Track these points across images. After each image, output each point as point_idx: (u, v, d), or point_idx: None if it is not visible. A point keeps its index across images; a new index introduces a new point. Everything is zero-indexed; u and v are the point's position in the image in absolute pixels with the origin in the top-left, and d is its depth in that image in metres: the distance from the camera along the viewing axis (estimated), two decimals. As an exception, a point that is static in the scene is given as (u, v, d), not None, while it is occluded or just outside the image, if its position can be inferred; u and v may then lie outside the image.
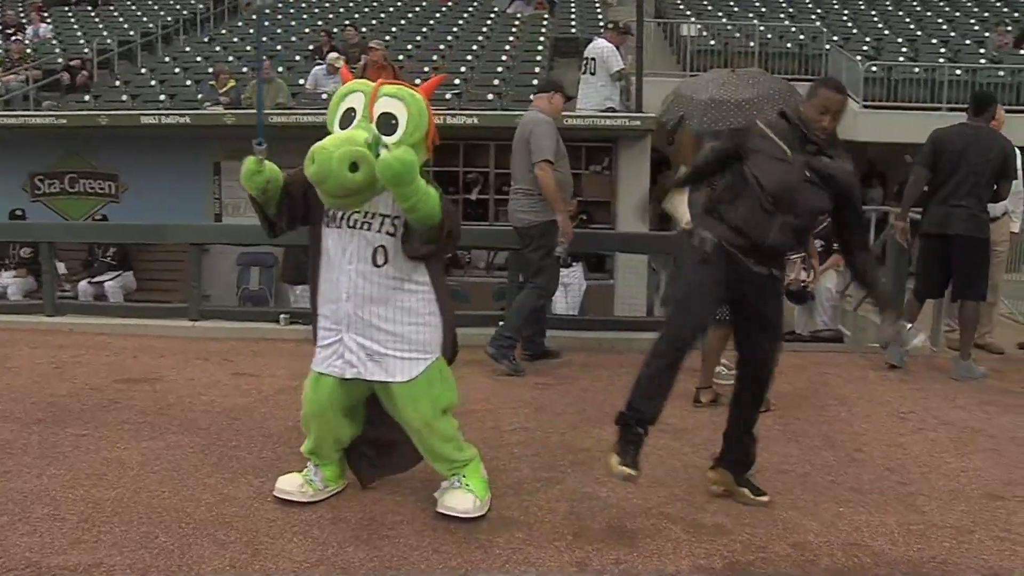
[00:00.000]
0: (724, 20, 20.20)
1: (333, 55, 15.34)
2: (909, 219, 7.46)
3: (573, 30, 19.82)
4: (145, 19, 22.05)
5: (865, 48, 18.55)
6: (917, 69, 17.13)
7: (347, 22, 19.35)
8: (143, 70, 18.00)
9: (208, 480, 4.48)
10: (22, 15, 22.16)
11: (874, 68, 16.86)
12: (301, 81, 15.66)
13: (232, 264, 12.88)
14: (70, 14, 22.91)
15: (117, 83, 17.13)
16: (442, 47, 18.35)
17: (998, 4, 22.48)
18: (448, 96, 15.04)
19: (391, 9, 21.98)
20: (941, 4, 22.53)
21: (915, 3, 22.65)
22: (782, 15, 21.11)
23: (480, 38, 18.95)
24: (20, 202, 14.15)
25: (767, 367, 4.41)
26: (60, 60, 18.26)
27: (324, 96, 14.23)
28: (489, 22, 20.32)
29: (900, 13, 21.76)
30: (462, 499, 4.14)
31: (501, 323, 7.21)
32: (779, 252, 4.37)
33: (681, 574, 3.69)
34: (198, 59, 18.01)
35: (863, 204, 16.14)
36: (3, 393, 5.99)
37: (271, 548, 3.78)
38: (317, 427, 4.25)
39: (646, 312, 10.16)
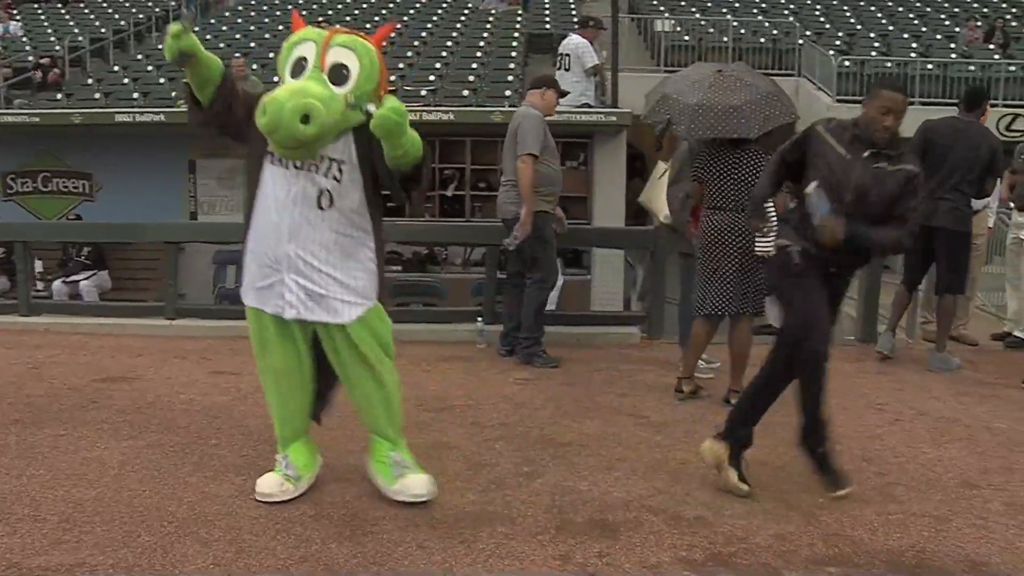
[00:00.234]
0: (698, 15, 20.27)
1: (307, 51, 15.26)
2: None
3: (547, 26, 19.84)
4: (117, 16, 21.90)
5: (838, 43, 18.67)
6: (889, 64, 17.29)
7: (321, 19, 19.26)
8: (116, 68, 17.89)
9: (189, 479, 4.47)
10: (-9, 12, 21.98)
11: (847, 63, 17.00)
12: (276, 79, 15.55)
13: (208, 262, 12.83)
14: (40, 11, 22.73)
15: (90, 81, 17.01)
16: (416, 43, 18.34)
17: (968, 0, 22.68)
18: (423, 92, 15.03)
19: (365, 5, 21.94)
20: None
21: (886, -2, 22.83)
22: (755, 10, 21.20)
23: (455, 34, 18.95)
24: (-8, 201, 14.06)
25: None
26: (31, 58, 18.11)
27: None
28: (463, 18, 20.32)
29: (872, 8, 21.91)
30: (420, 482, 4.21)
31: (518, 332, 7.21)
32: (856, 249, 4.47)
33: (663, 566, 3.71)
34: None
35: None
36: (-21, 394, 5.94)
37: (254, 546, 3.77)
38: (285, 385, 4.27)
39: (623, 307, 10.20)
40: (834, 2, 22.37)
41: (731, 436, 4.53)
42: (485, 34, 18.86)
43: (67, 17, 22.11)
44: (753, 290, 5.83)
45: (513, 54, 17.40)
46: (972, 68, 17.00)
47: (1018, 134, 12.83)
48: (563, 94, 7.54)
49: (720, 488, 4.45)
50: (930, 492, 4.57)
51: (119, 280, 12.85)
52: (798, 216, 4.50)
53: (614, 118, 12.96)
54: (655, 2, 21.64)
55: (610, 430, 5.38)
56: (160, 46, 19.10)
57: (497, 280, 8.05)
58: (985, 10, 21.59)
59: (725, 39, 18.25)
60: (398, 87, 15.26)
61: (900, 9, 21.90)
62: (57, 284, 12.18)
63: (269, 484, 4.26)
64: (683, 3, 21.70)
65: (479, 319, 7.63)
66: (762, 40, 18.57)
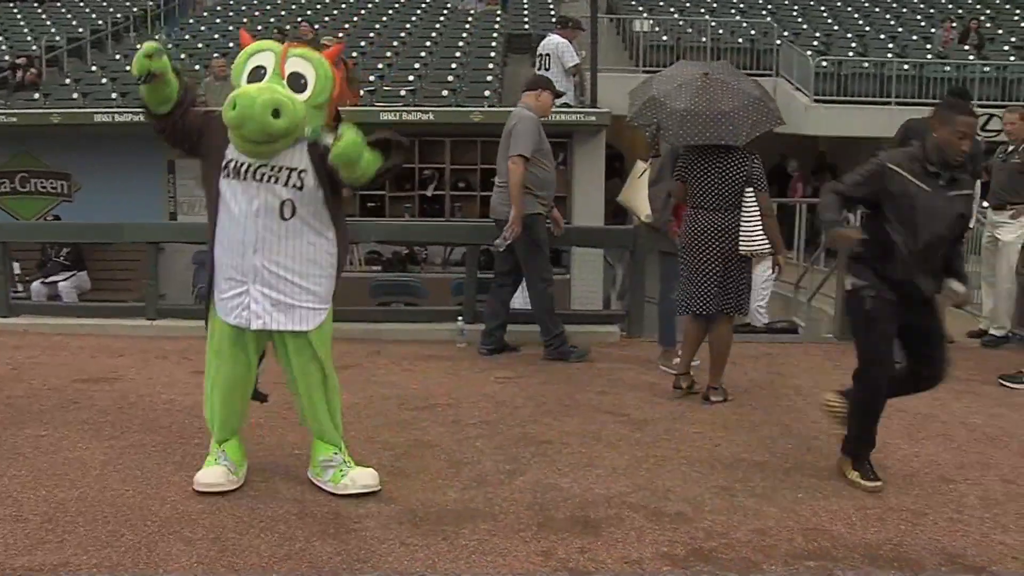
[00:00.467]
0: (676, 15, 20.34)
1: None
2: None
3: (526, 26, 19.89)
4: (94, 15, 21.78)
5: (815, 43, 18.77)
6: (866, 64, 17.43)
7: (300, 19, 19.25)
8: (94, 68, 17.80)
9: (172, 478, 4.47)
10: (-35, 12, 21.84)
11: (824, 63, 17.11)
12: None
13: (187, 263, 12.80)
14: (15, 10, 22.56)
15: (67, 81, 16.93)
16: (395, 43, 18.35)
17: (943, 1, 22.85)
18: (403, 93, 15.04)
19: (344, 6, 21.91)
20: (889, 1, 22.85)
21: (864, 0, 22.97)
22: (733, 11, 21.29)
23: (433, 35, 18.96)
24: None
25: (944, 372, 4.76)
26: (7, 58, 18.00)
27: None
28: (442, 19, 20.33)
29: (849, 9, 22.05)
30: (366, 474, 4.32)
31: (502, 331, 7.31)
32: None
33: (645, 561, 3.74)
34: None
35: (816, 195, 16.43)
36: (-41, 395, 5.92)
37: (238, 544, 3.79)
38: (229, 389, 4.32)
39: (602, 305, 10.25)
40: (811, 3, 22.50)
41: (860, 466, 4.67)
42: (464, 34, 18.88)
43: (44, 16, 21.96)
44: (735, 289, 5.87)
45: (492, 54, 17.43)
46: (948, 69, 17.14)
47: (993, 134, 12.90)
48: (558, 95, 7.58)
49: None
50: (907, 487, 4.62)
51: (99, 281, 12.81)
52: (872, 253, 4.56)
53: (593, 118, 13.01)
54: (633, 2, 21.70)
55: (591, 428, 5.42)
56: (139, 45, 19.08)
57: (477, 279, 8.08)
58: (960, 11, 21.76)
59: (703, 39, 18.31)
60: (377, 87, 15.28)
61: (877, 10, 22.05)
62: (36, 285, 12.12)
63: (215, 474, 4.31)
64: (661, 3, 21.76)
65: (459, 318, 7.65)
66: (740, 40, 18.66)
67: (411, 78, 15.90)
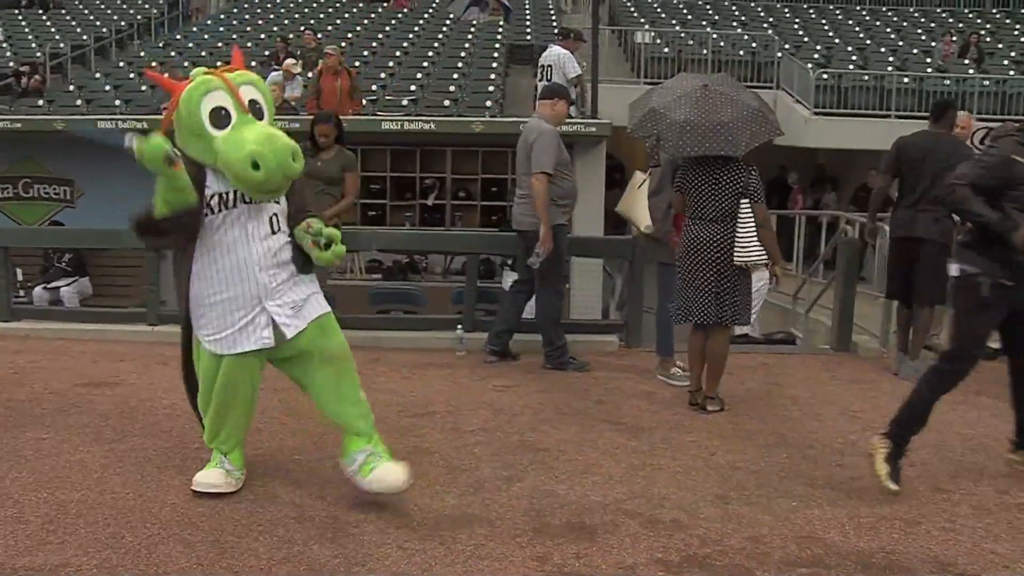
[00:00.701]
0: (677, 28, 20.43)
1: (290, 61, 15.35)
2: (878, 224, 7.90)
3: (528, 37, 19.98)
4: (98, 23, 21.89)
5: (816, 56, 18.87)
6: (866, 77, 17.51)
7: (303, 27, 19.35)
8: (97, 75, 17.88)
9: (172, 482, 4.51)
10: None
11: (824, 76, 17.18)
12: (271, 87, 15.63)
13: (188, 269, 12.82)
14: (20, 17, 22.68)
15: (71, 87, 17.02)
16: (398, 53, 18.44)
17: (944, 15, 22.98)
18: (404, 102, 15.11)
19: (347, 15, 22.01)
20: (889, 14, 22.97)
21: (865, 13, 23.09)
22: (734, 23, 21.40)
23: (436, 44, 19.06)
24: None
25: None
26: (11, 64, 18.09)
27: (287, 102, 14.25)
28: (445, 29, 20.43)
29: (850, 22, 22.16)
30: (395, 471, 4.26)
31: (508, 335, 7.35)
32: None
33: (639, 567, 3.78)
34: (152, 64, 17.90)
35: (816, 207, 16.52)
36: (-39, 399, 5.96)
37: (237, 547, 3.83)
38: (240, 412, 4.37)
39: (601, 315, 10.28)
40: (812, 16, 22.63)
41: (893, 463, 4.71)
42: (466, 44, 18.98)
43: (48, 23, 22.08)
44: (731, 300, 5.90)
45: (494, 64, 17.51)
46: (947, 82, 17.23)
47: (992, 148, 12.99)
48: (572, 103, 7.60)
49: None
50: (901, 496, 4.64)
51: (100, 287, 12.82)
52: (986, 240, 4.66)
53: (594, 128, 13.08)
54: (635, 14, 21.82)
55: (588, 436, 5.45)
56: (142, 53, 19.19)
57: (477, 288, 8.12)
58: (960, 26, 21.88)
59: (705, 51, 18.40)
60: (379, 96, 15.36)
61: (877, 24, 22.16)
62: (38, 290, 12.14)
63: (215, 476, 4.36)
64: (663, 15, 21.88)
65: (459, 327, 7.69)
66: (741, 52, 18.76)
67: (413, 88, 15.98)
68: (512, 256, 9.89)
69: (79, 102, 15.70)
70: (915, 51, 19.80)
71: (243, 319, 4.19)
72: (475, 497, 4.46)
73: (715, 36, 19.23)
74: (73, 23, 22.08)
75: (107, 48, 20.59)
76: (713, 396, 6.06)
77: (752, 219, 5.80)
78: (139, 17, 22.56)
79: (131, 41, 21.53)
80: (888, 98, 16.84)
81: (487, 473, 4.79)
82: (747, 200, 5.82)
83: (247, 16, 22.34)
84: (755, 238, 5.81)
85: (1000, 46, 20.35)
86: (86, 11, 23.30)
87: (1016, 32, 21.72)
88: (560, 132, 7.08)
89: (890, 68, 18.12)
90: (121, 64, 18.68)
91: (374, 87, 16.05)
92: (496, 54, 18.22)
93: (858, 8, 23.67)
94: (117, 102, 15.44)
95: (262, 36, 20.00)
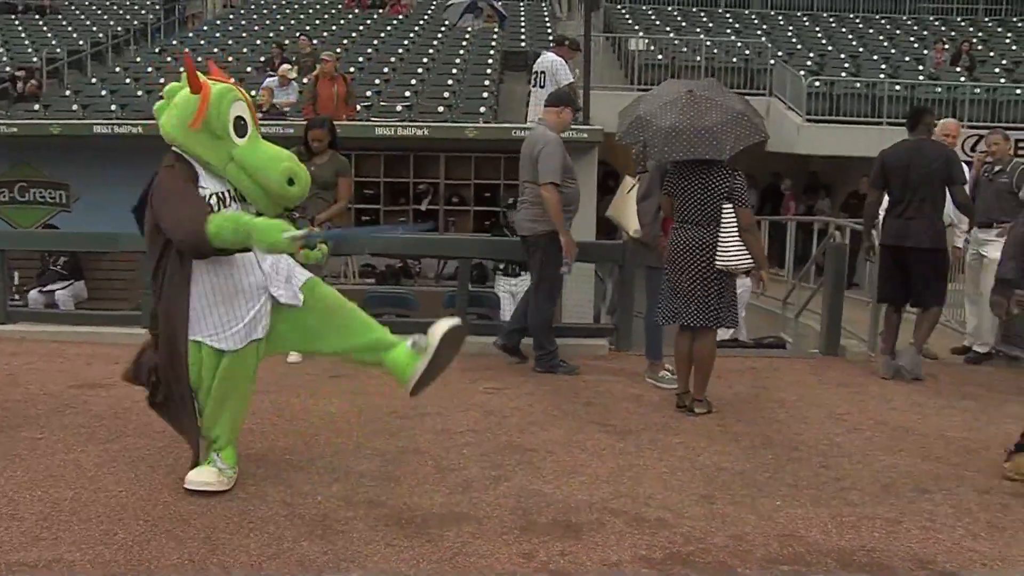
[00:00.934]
0: (671, 35, 20.55)
1: (285, 67, 15.42)
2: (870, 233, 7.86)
3: (523, 44, 20.08)
4: (95, 28, 21.95)
5: (809, 63, 19.00)
6: (859, 84, 17.62)
7: (299, 33, 19.43)
8: (93, 80, 17.95)
9: (165, 480, 4.57)
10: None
11: (817, 83, 17.30)
12: (253, 93, 15.71)
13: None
14: (17, 22, 22.75)
15: (67, 92, 17.08)
16: (393, 59, 18.52)
17: (936, 23, 23.11)
18: (399, 108, 15.19)
19: (342, 21, 22.10)
20: (883, 22, 23.10)
21: (858, 21, 23.22)
22: (728, 30, 21.52)
23: (431, 51, 19.14)
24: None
25: None
26: (8, 69, 18.15)
27: (276, 107, 14.33)
28: (440, 35, 20.51)
29: (843, 30, 22.29)
30: (443, 322, 4.55)
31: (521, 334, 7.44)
32: None
33: (624, 564, 3.85)
34: (149, 70, 18.00)
35: (810, 214, 16.56)
36: (-44, 399, 6.01)
37: (228, 543, 3.89)
38: (240, 402, 4.47)
39: (593, 319, 10.34)
40: (806, 23, 22.75)
41: None
42: (461, 51, 19.06)
43: (44, 29, 22.15)
44: (716, 303, 5.96)
45: (488, 71, 17.60)
46: (939, 90, 17.36)
47: (983, 154, 13.06)
48: (578, 110, 7.67)
49: None
50: (884, 496, 4.73)
51: (95, 290, 12.89)
52: None
53: (585, 135, 13.15)
54: (630, 21, 21.93)
55: (576, 437, 5.52)
56: (139, 59, 19.26)
57: (470, 293, 8.18)
58: (952, 34, 22.01)
59: (698, 58, 18.52)
60: (374, 102, 15.44)
61: (870, 31, 22.29)
62: (33, 294, 12.21)
63: (208, 474, 4.42)
64: (657, 23, 22.00)
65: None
66: (734, 60, 18.87)
67: (407, 94, 16.06)
68: (504, 261, 9.99)
69: (75, 107, 15.77)
70: (907, 59, 19.94)
71: (251, 311, 4.32)
72: (463, 496, 4.52)
73: (709, 43, 19.36)
74: (70, 28, 22.15)
75: (103, 53, 20.66)
76: (701, 399, 6.13)
77: (735, 223, 5.87)
78: (135, 23, 22.64)
79: (127, 47, 21.60)
80: (880, 105, 16.97)
81: (475, 473, 4.86)
82: (730, 204, 5.90)
83: (243, 22, 22.42)
84: (738, 242, 5.88)
85: (991, 54, 20.49)
86: (83, 16, 23.38)
87: (1008, 40, 21.87)
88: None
89: (882, 76, 18.24)
90: (117, 69, 18.74)
91: (369, 93, 16.13)
92: (491, 61, 18.31)
93: (851, 16, 23.81)
94: (113, 107, 15.50)
95: (258, 42, 20.08)
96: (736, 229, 5.87)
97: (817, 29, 22.29)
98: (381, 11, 23.19)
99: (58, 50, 19.82)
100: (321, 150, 7.83)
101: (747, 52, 19.27)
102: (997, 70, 19.15)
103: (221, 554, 3.79)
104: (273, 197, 4.34)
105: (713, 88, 6.38)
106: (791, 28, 22.23)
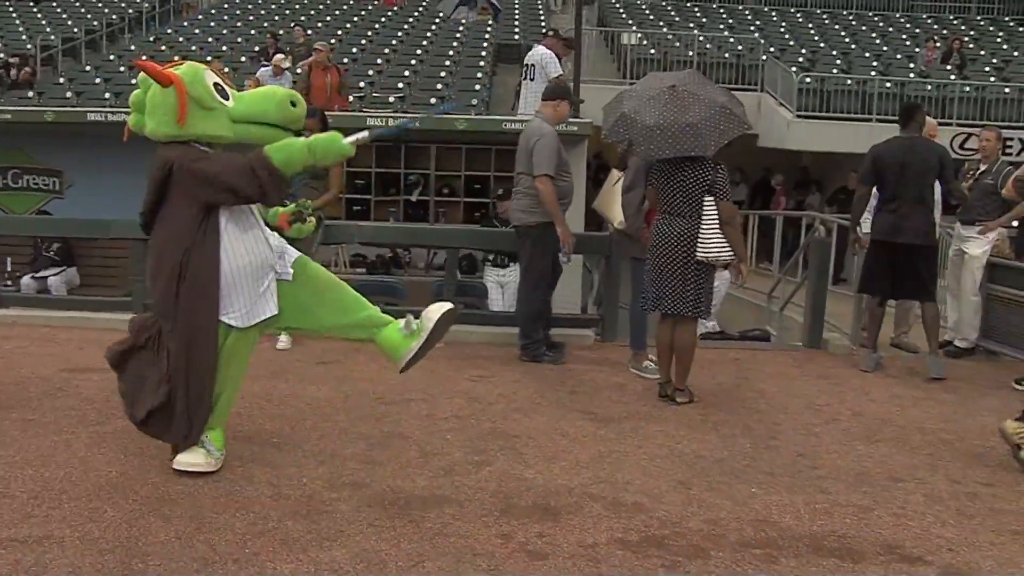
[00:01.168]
0: (664, 29, 20.61)
1: (279, 56, 15.47)
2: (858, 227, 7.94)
3: (516, 36, 20.12)
4: (89, 16, 21.96)
5: (800, 60, 19.10)
6: (849, 81, 17.73)
7: (293, 24, 19.48)
8: (87, 67, 17.98)
9: (154, 461, 4.66)
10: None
11: (808, 79, 17.39)
12: (247, 82, 15.76)
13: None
14: (11, 9, 22.75)
15: (61, 80, 17.10)
16: (387, 51, 18.58)
17: (928, 21, 23.21)
18: (391, 99, 15.25)
19: (337, 13, 22.14)
20: (875, 19, 23.19)
21: (850, 18, 23.32)
22: (721, 26, 21.59)
23: (425, 43, 19.19)
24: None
25: None
26: (2, 56, 18.17)
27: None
28: (434, 27, 20.57)
29: (836, 27, 22.39)
30: (437, 306, 4.83)
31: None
32: None
33: (599, 546, 3.95)
34: (143, 58, 17.98)
35: (801, 208, 16.63)
36: (-52, 381, 6.09)
37: (215, 522, 3.98)
38: (234, 385, 4.60)
39: (580, 310, 10.43)
40: (799, 20, 22.84)
41: None
42: (455, 43, 19.12)
43: (39, 16, 22.16)
44: (695, 293, 6.07)
45: (481, 64, 17.66)
46: (929, 88, 17.46)
47: (971, 152, 13.20)
48: (575, 103, 7.73)
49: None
50: (858, 485, 4.83)
51: (88, 276, 12.92)
52: None
53: (575, 128, 13.21)
54: (623, 15, 21.98)
55: (559, 424, 5.62)
56: (133, 47, 19.29)
57: (458, 282, 8.27)
58: (944, 32, 22.12)
59: (690, 53, 18.60)
60: (367, 93, 15.49)
61: (863, 28, 22.39)
62: (26, 279, 12.24)
63: (196, 456, 4.50)
64: (650, 17, 22.06)
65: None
66: (726, 55, 18.96)
67: (400, 85, 16.12)
68: (493, 252, 10.07)
69: (69, 94, 15.81)
70: (898, 56, 20.04)
71: (263, 286, 4.47)
72: (446, 479, 4.62)
73: (701, 38, 19.44)
74: (64, 16, 22.16)
75: (98, 41, 20.68)
76: (683, 388, 6.23)
77: (716, 216, 5.97)
78: (130, 11, 22.64)
79: (122, 35, 21.62)
80: (870, 102, 17.07)
81: (458, 457, 4.95)
82: (711, 197, 5.99)
83: (237, 11, 22.45)
84: (719, 234, 5.98)
85: (982, 52, 20.60)
86: (77, 4, 23.37)
87: (999, 39, 21.97)
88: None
89: (873, 73, 18.33)
90: (111, 57, 18.77)
91: (362, 84, 16.18)
92: (484, 53, 18.37)
93: (844, 12, 23.92)
94: (107, 95, 15.54)
95: (252, 31, 20.11)
96: (717, 221, 5.97)
97: (810, 26, 22.40)
98: (375, 2, 23.25)
99: (52, 37, 19.84)
100: (312, 140, 7.88)
101: (739, 48, 19.37)
102: (987, 68, 19.26)
103: (208, 532, 3.88)
104: (283, 125, 4.52)
105: (695, 81, 6.44)
106: (783, 24, 22.33)
